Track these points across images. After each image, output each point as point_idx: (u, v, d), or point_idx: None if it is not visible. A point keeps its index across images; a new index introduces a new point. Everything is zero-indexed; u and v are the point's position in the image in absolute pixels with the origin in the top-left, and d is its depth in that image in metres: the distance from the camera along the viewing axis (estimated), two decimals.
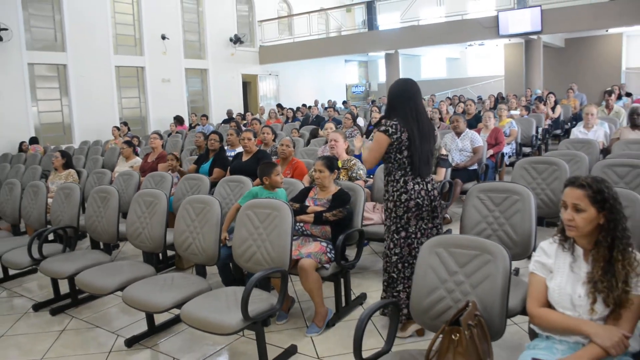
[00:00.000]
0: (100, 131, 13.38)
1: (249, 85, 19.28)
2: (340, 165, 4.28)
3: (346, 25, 21.54)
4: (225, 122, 14.11)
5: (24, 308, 4.60)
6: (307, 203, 3.96)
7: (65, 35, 13.40)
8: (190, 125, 14.30)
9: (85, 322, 4.19)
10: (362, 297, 4.15)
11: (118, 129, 11.83)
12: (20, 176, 7.81)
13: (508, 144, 7.64)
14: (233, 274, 4.21)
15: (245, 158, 5.70)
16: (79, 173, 6.73)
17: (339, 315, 3.82)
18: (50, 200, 5.30)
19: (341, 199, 3.88)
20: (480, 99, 16.21)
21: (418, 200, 3.27)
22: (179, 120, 13.81)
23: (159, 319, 3.88)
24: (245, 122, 12.87)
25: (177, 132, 12.31)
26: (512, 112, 9.62)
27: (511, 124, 8.01)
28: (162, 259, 5.24)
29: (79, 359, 3.56)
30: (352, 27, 21.43)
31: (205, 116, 14.08)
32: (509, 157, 7.68)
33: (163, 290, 3.35)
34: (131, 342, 3.70)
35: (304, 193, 4.09)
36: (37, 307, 4.53)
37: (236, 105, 17.67)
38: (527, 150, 8.41)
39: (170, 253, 5.26)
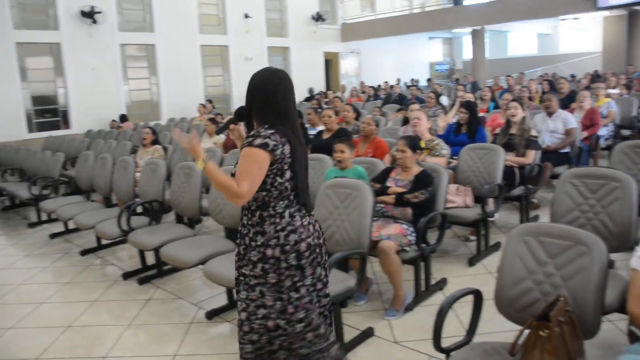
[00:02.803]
0: (185, 108, 13.83)
1: (330, 63, 19.21)
2: (423, 145, 4.16)
3: (430, 0, 20.94)
4: (306, 100, 14.17)
5: (114, 276, 4.85)
6: (388, 184, 3.88)
7: (153, 16, 13.88)
8: None
9: (169, 292, 4.36)
10: (443, 283, 4.04)
11: (203, 106, 12.17)
12: (112, 151, 8.20)
13: (604, 125, 7.14)
14: None
15: (326, 136, 5.67)
16: (165, 149, 6.97)
17: (418, 299, 3.74)
18: (138, 175, 5.52)
19: (423, 181, 3.77)
20: (573, 77, 15.32)
21: (309, 240, 2.33)
22: None
23: None
24: (326, 100, 12.85)
25: None
26: (611, 91, 9.00)
27: (609, 105, 7.46)
28: None
29: (163, 328, 3.70)
30: (436, 2, 20.83)
31: None
32: (605, 140, 7.18)
33: None
34: (211, 315, 3.81)
35: (385, 173, 4.01)
36: (126, 275, 4.77)
37: (318, 83, 17.69)
38: (626, 132, 7.83)
39: None
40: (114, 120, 12.59)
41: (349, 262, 3.83)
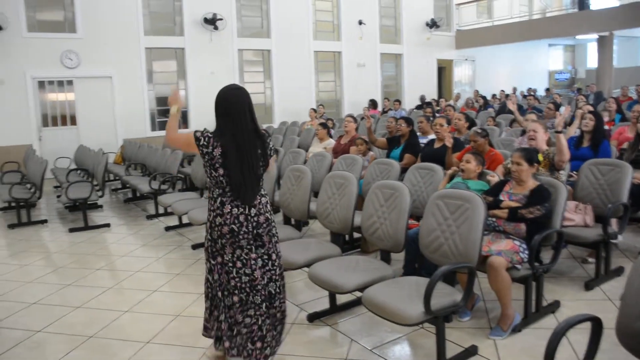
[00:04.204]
0: (297, 112, 14.15)
1: (443, 71, 18.86)
2: (540, 158, 3.96)
3: (552, 5, 19.92)
4: (418, 107, 14.01)
5: None
6: (501, 197, 3.72)
7: (270, 22, 14.37)
8: (383, 109, 14.43)
9: None
10: (555, 305, 3.80)
11: (314, 110, 12.39)
12: None
13: None
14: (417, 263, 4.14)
15: (437, 145, 5.56)
16: (276, 151, 7.17)
17: (527, 321, 3.55)
18: None
19: (540, 196, 3.57)
20: None
21: (233, 226, 2.89)
22: (373, 103, 14.01)
23: (341, 299, 3.96)
24: (438, 108, 12.62)
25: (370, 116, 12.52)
26: None
27: None
28: (347, 241, 5.35)
29: None
30: (558, 7, 19.77)
31: (398, 101, 14.11)
32: None
33: (347, 272, 3.40)
34: (313, 318, 3.84)
35: (499, 186, 3.85)
36: None
37: (430, 90, 17.42)
38: None
39: (356, 235, 5.36)
40: None
41: (456, 276, 3.72)
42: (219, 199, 2.91)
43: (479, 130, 4.89)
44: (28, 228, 7.34)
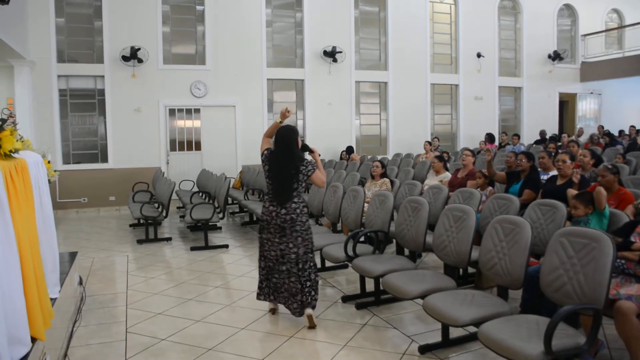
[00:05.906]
0: (412, 145, 14.13)
1: (565, 105, 18.00)
2: None
3: None
4: (537, 142, 13.50)
5: (333, 297, 5.15)
6: (632, 239, 3.52)
7: (388, 55, 14.55)
8: (500, 144, 14.04)
9: (384, 321, 4.49)
10: None
11: (429, 143, 12.30)
12: (342, 180, 8.75)
13: None
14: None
15: (560, 182, 5.35)
16: (392, 182, 7.23)
17: None
18: (366, 205, 5.81)
19: None
20: None
21: (267, 217, 4.37)
22: (490, 137, 13.69)
23: (454, 332, 3.91)
24: (560, 143, 12.07)
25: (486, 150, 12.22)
26: None
27: None
28: (461, 275, 5.27)
29: (375, 354, 3.81)
30: None
31: (517, 135, 13.67)
32: None
33: (463, 306, 3.37)
34: (424, 350, 3.81)
35: (630, 227, 3.64)
36: (345, 299, 5.03)
37: (550, 125, 16.67)
38: None
39: (470, 270, 5.27)
40: (344, 151, 13.42)
41: (580, 319, 3.55)
42: (266, 197, 4.46)
43: (610, 166, 4.66)
44: (154, 244, 7.94)
